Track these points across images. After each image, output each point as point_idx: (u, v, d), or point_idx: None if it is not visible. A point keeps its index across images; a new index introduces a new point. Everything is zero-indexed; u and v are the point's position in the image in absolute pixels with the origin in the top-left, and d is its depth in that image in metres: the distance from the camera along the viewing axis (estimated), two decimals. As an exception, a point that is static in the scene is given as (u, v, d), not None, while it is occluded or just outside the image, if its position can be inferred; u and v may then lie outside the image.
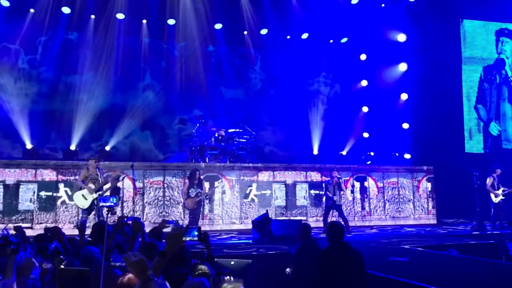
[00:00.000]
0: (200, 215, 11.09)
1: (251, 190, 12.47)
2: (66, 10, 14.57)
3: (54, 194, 10.97)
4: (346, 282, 5.15)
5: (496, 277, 6.42)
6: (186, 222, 11.10)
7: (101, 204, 4.96)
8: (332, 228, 5.77)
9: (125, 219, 5.15)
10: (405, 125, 16.21)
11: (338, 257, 5.33)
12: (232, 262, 5.48)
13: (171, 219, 9.69)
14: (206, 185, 11.74)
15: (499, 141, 16.75)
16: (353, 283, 5.20)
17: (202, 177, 11.40)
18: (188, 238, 3.06)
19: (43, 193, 10.90)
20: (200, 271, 3.49)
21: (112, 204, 4.93)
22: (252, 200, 12.44)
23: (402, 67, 16.36)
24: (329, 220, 11.42)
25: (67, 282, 2.10)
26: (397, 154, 15.58)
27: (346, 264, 5.27)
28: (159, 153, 15.76)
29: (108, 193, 10.20)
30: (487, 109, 16.74)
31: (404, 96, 16.34)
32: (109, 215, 5.25)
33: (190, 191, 10.61)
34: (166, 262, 2.76)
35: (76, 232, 7.76)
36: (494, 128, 16.74)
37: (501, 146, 16.70)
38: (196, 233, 3.18)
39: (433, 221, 13.69)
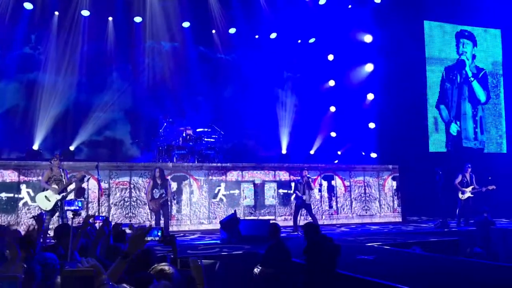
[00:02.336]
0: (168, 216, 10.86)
1: (219, 190, 12.42)
2: (28, 6, 14.15)
3: (16, 196, 10.64)
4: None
5: (458, 274, 6.59)
6: (153, 223, 10.96)
7: (66, 208, 4.82)
8: (308, 228, 5.97)
9: (91, 219, 5.01)
10: (372, 125, 16.48)
11: (320, 250, 5.55)
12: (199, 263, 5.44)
13: (98, 215, 9.39)
14: (174, 185, 11.62)
15: (460, 140, 17.25)
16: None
17: (169, 177, 11.26)
18: (149, 239, 2.99)
19: (3, 195, 10.55)
20: (163, 271, 3.42)
21: (77, 208, 4.81)
22: (221, 200, 12.40)
23: (369, 67, 16.63)
24: (298, 218, 11.53)
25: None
26: (363, 153, 15.84)
27: (327, 254, 5.51)
28: (136, 151, 15.53)
29: (72, 194, 9.95)
30: (448, 109, 17.21)
31: (370, 96, 16.61)
32: (75, 217, 5.12)
33: (153, 191, 10.43)
34: (127, 264, 2.70)
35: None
36: (454, 129, 17.22)
37: (461, 145, 17.20)
38: (157, 233, 3.11)
39: (399, 219, 13.97)
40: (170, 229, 10.89)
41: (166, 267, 3.38)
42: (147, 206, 11.08)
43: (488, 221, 10.63)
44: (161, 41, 15.99)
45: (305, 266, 5.82)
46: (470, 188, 12.46)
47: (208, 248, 8.84)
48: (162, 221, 10.50)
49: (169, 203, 10.78)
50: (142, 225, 3.08)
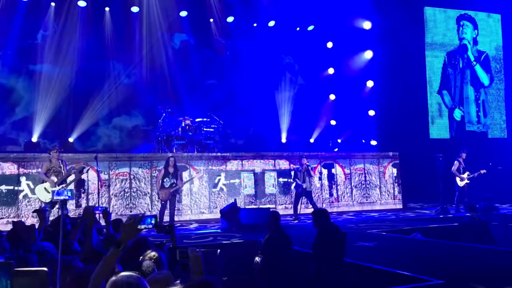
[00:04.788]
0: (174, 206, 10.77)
1: (219, 179, 12.41)
2: (24, -4, 14.02)
3: (16, 188, 10.62)
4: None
5: (458, 258, 6.59)
6: (153, 213, 10.96)
7: (55, 197, 4.78)
8: (317, 215, 5.93)
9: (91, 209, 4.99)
10: (371, 112, 16.42)
11: (330, 238, 5.56)
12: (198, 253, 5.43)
13: (97, 206, 9.43)
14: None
15: (463, 125, 17.22)
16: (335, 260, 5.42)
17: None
18: (143, 227, 2.96)
19: (3, 187, 10.53)
20: (153, 257, 3.43)
21: (67, 197, 4.76)
22: (221, 189, 12.38)
23: (368, 54, 16.52)
24: (299, 206, 11.56)
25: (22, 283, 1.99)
26: (363, 141, 15.79)
27: (332, 246, 5.51)
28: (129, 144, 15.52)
29: (72, 186, 9.94)
30: (451, 94, 17.15)
31: (370, 83, 16.53)
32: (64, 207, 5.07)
33: (164, 180, 10.39)
34: (121, 253, 2.67)
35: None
36: (457, 114, 17.18)
37: (464, 129, 17.17)
38: (151, 221, 3.07)
39: (399, 206, 13.97)
40: (171, 219, 10.87)
41: (152, 253, 3.38)
42: (157, 194, 11.03)
43: (491, 207, 10.61)
44: (158, 30, 15.84)
45: (315, 254, 5.79)
46: (466, 174, 12.47)
47: (203, 237, 8.83)
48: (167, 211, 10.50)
49: (178, 193, 10.75)
50: (134, 214, 3.02)
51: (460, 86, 17.30)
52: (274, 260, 6.39)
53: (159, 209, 10.79)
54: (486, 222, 8.70)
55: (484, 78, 17.53)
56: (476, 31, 17.58)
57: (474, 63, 17.46)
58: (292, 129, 16.61)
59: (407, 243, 8.09)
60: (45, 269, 2.07)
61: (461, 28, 17.36)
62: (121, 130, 15.62)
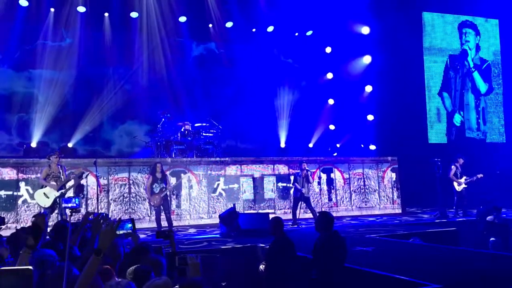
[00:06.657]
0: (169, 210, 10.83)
1: (218, 184, 12.42)
2: (23, 3, 14.07)
3: (15, 193, 10.62)
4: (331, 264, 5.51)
5: (456, 263, 6.60)
6: (153, 218, 10.99)
7: (64, 205, 4.80)
8: (324, 217, 5.93)
9: (91, 216, 5.00)
10: (370, 117, 16.47)
11: (328, 244, 5.55)
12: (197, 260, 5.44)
13: (97, 212, 9.47)
14: (173, 180, 11.62)
15: (463, 130, 17.27)
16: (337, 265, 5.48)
17: (168, 172, 11.27)
18: (121, 232, 2.97)
19: (2, 192, 10.53)
20: (153, 261, 3.45)
21: (75, 205, 4.79)
22: (220, 194, 12.40)
23: (366, 59, 16.58)
24: (297, 211, 11.57)
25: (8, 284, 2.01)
26: (362, 146, 15.83)
27: (334, 250, 5.52)
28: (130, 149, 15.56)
29: (71, 191, 9.95)
30: (451, 98, 17.23)
31: (368, 88, 16.58)
32: (73, 215, 5.09)
33: (153, 186, 10.45)
34: (101, 260, 2.67)
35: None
36: (457, 119, 17.23)
37: (464, 135, 17.22)
38: (129, 225, 3.08)
39: (398, 211, 13.98)
40: (170, 224, 10.89)
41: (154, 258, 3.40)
42: (148, 202, 11.10)
43: (491, 210, 10.63)
44: (157, 36, 15.91)
45: (316, 260, 5.77)
46: (463, 179, 12.50)
47: (198, 242, 8.81)
48: (163, 216, 10.52)
49: (168, 197, 10.79)
50: (110, 219, 3.04)
51: (460, 91, 17.39)
52: (279, 266, 6.36)
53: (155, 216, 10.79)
54: (508, 224, 8.84)
55: (481, 86, 17.61)
56: (478, 37, 17.69)
57: (473, 69, 17.55)
58: (291, 134, 16.65)
59: (405, 248, 8.10)
60: (30, 267, 2.09)
61: (463, 36, 17.46)
62: (122, 135, 15.66)
